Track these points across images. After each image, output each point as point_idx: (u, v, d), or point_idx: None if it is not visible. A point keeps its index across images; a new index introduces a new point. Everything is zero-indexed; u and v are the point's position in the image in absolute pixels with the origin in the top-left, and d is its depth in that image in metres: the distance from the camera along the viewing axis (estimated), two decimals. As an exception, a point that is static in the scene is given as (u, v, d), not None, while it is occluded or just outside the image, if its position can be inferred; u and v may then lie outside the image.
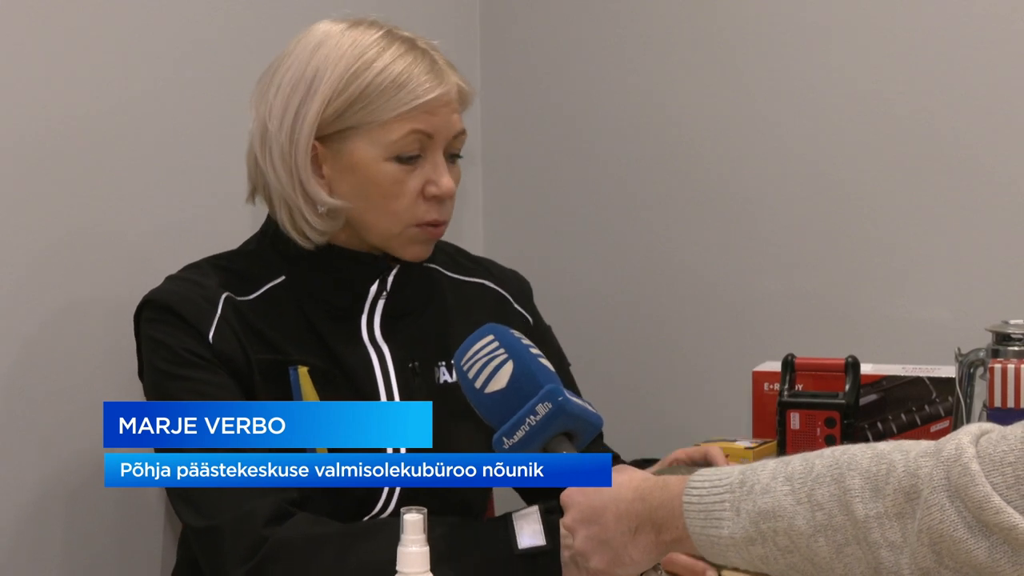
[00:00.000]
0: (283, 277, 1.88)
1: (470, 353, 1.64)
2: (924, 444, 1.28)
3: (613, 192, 2.71)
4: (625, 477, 1.48)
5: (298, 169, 1.84)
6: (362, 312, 1.89)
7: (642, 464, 1.88)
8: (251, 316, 1.85)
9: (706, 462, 1.80)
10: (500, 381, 1.61)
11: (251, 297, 1.87)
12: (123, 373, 2.20)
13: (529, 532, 1.68)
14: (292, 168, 1.84)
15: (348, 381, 1.86)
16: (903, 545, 1.25)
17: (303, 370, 1.83)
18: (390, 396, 1.87)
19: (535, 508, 1.70)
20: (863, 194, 2.43)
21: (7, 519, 2.13)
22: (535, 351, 1.65)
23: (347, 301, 1.89)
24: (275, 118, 1.85)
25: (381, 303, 1.90)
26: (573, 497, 1.51)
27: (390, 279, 1.90)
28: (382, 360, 1.88)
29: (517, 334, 1.67)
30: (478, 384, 1.63)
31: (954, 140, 2.34)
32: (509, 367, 1.61)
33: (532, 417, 1.57)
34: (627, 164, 2.69)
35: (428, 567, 1.35)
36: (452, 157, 1.89)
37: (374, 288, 1.90)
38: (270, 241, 1.90)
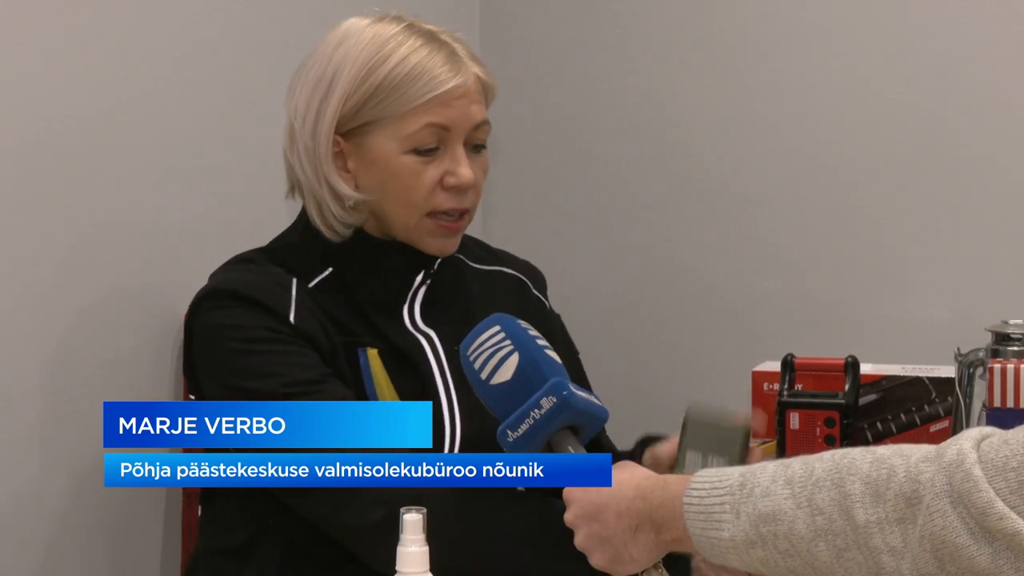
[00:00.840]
0: (330, 269, 1.89)
1: (476, 343, 1.63)
2: (925, 449, 1.28)
3: (613, 192, 2.71)
4: (627, 474, 1.48)
5: (321, 164, 1.86)
6: (404, 301, 1.91)
7: (650, 441, 1.87)
8: (321, 301, 1.85)
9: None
10: (506, 373, 1.60)
11: (311, 286, 1.87)
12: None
13: None
14: (316, 164, 1.86)
15: (408, 365, 1.87)
16: (904, 551, 1.25)
17: (373, 352, 1.84)
18: (444, 378, 1.89)
19: None
20: (863, 194, 2.43)
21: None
22: (542, 342, 1.64)
23: (393, 291, 1.91)
24: (299, 116, 1.87)
25: (422, 292, 1.92)
26: (574, 493, 1.52)
27: (434, 268, 1.92)
28: (432, 345, 1.90)
29: (524, 324, 1.67)
30: (484, 375, 1.62)
31: (954, 140, 2.34)
32: (515, 359, 1.60)
33: (537, 411, 1.56)
34: (627, 164, 2.69)
35: (427, 567, 1.35)
36: (476, 147, 1.89)
37: (419, 278, 1.91)
38: (311, 234, 1.91)
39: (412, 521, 1.34)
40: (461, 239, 2.03)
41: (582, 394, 1.58)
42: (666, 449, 1.80)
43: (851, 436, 2.02)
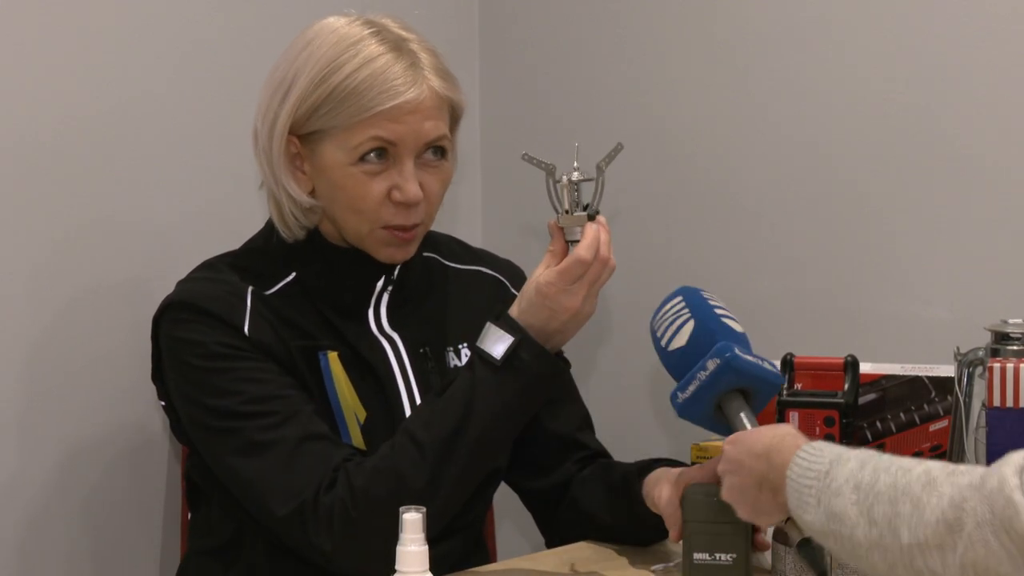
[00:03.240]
0: (294, 274, 1.90)
1: (660, 314, 1.73)
2: (974, 474, 1.30)
3: (612, 192, 2.70)
4: (769, 431, 1.55)
5: (275, 166, 1.86)
6: (368, 306, 1.91)
7: (657, 465, 1.88)
8: (278, 307, 1.86)
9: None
10: (681, 339, 1.69)
11: (270, 292, 1.88)
12: (125, 372, 2.21)
13: (494, 341, 1.75)
14: (272, 165, 1.87)
15: (367, 370, 1.88)
16: (944, 575, 1.27)
17: (333, 355, 1.85)
18: (407, 382, 1.90)
19: (487, 326, 1.77)
20: (862, 194, 2.43)
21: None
22: (720, 311, 1.71)
23: (353, 297, 1.91)
24: (260, 115, 1.89)
25: (386, 297, 1.92)
26: (725, 446, 1.59)
27: (395, 275, 1.92)
28: (395, 348, 1.91)
29: (707, 294, 1.74)
30: (663, 342, 1.71)
31: (954, 139, 2.34)
32: (690, 325, 1.69)
33: (703, 372, 1.64)
34: (626, 164, 2.68)
35: (427, 566, 1.35)
36: (437, 152, 1.87)
37: (379, 284, 1.91)
38: (274, 238, 1.92)
39: (412, 520, 1.34)
40: (438, 239, 2.04)
41: (750, 358, 1.65)
42: (663, 494, 1.79)
43: (850, 435, 2.02)
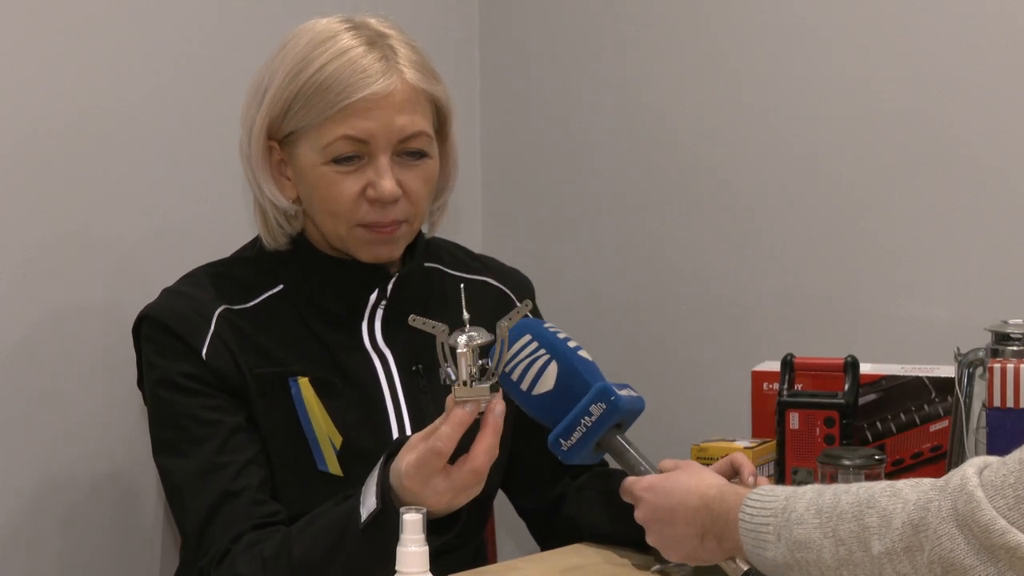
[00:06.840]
0: (281, 286, 1.87)
1: (510, 355, 1.65)
2: (934, 480, 1.36)
3: (612, 192, 2.71)
4: (694, 482, 1.57)
5: (255, 170, 1.84)
6: (362, 318, 1.88)
7: None
8: (248, 327, 1.83)
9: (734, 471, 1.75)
10: (547, 383, 1.66)
11: (249, 305, 1.85)
12: (115, 378, 2.19)
13: (367, 492, 1.61)
14: (253, 168, 1.85)
15: (353, 388, 1.84)
16: None
17: (304, 381, 1.81)
18: (395, 401, 1.86)
19: (375, 470, 1.62)
20: (862, 194, 2.43)
21: (4, 524, 2.13)
22: (573, 344, 1.68)
23: (347, 308, 1.87)
24: (242, 121, 1.86)
25: (381, 310, 1.88)
26: (644, 495, 1.61)
27: (389, 287, 1.88)
28: (385, 365, 1.87)
29: (552, 327, 1.69)
30: (524, 386, 1.67)
31: (954, 139, 2.34)
32: (554, 368, 1.66)
33: (587, 418, 1.64)
34: (626, 164, 2.69)
35: (427, 567, 1.35)
36: (416, 154, 1.83)
37: (373, 297, 1.88)
38: (263, 248, 1.89)
39: (412, 521, 1.34)
40: (443, 247, 2.01)
41: (624, 393, 1.65)
42: None
43: (851, 436, 2.02)
